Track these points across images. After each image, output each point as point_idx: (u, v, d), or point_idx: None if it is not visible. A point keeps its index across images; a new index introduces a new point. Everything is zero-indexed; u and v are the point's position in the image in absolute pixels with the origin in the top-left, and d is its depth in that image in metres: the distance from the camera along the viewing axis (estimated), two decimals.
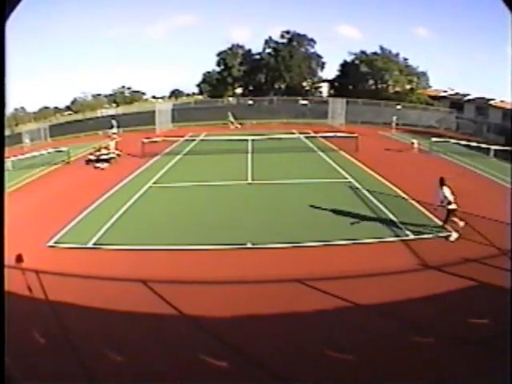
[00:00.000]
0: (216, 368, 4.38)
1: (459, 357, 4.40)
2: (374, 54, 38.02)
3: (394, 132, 24.18)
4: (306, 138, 20.47)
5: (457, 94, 31.73)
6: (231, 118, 26.64)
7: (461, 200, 10.04)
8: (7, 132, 24.12)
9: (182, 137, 21.90)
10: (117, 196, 11.50)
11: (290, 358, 4.49)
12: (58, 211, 10.12)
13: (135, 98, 55.59)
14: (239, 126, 26.54)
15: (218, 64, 43.67)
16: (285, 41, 41.25)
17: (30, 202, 11.15)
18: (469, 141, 19.14)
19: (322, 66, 42.39)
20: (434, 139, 18.38)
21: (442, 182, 8.35)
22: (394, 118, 25.27)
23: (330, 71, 45.22)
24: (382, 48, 37.70)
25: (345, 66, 40.59)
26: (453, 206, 8.19)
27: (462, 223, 8.27)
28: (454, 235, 8.05)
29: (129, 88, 55.38)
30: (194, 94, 53.84)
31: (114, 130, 24.28)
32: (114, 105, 49.66)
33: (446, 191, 8.19)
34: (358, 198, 10.85)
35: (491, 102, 26.68)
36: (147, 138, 18.47)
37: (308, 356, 4.52)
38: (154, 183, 12.87)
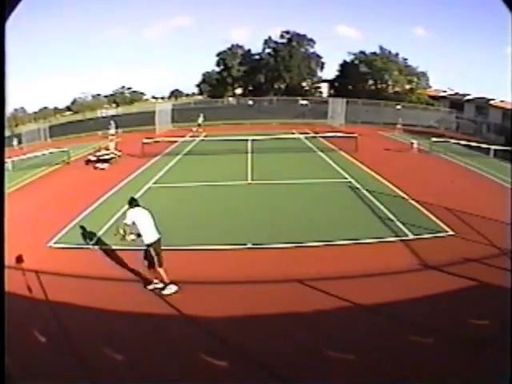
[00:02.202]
0: (216, 368, 4.37)
1: (459, 357, 4.40)
2: (374, 54, 38.11)
3: (395, 132, 24.18)
4: (306, 138, 20.48)
5: (457, 93, 31.78)
6: (200, 121, 25.79)
7: (461, 200, 10.11)
8: (6, 133, 24.11)
9: (182, 137, 21.91)
10: (117, 196, 11.50)
11: (290, 358, 4.49)
12: (58, 211, 10.12)
13: (135, 98, 55.60)
14: (201, 130, 25.22)
15: (218, 64, 43.76)
16: (284, 41, 41.34)
17: (30, 203, 11.15)
18: (469, 141, 19.16)
19: (322, 66, 42.48)
20: (433, 139, 18.40)
21: (130, 203, 5.98)
22: (400, 119, 25.29)
23: (330, 71, 45.29)
24: (381, 48, 37.82)
25: (344, 66, 40.67)
26: (149, 239, 5.79)
27: (162, 276, 5.86)
28: (172, 288, 5.87)
29: (129, 88, 55.41)
30: (193, 94, 53.87)
31: (112, 130, 24.31)
32: (113, 105, 49.68)
33: (131, 216, 5.81)
34: (357, 197, 10.86)
35: (491, 102, 26.71)
36: (147, 139, 18.48)
37: (308, 356, 4.52)
38: (154, 183, 12.88)
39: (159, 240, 5.94)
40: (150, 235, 5.84)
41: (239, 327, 5.13)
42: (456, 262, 6.68)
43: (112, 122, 24.96)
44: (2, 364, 2.29)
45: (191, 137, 22.97)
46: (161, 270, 5.87)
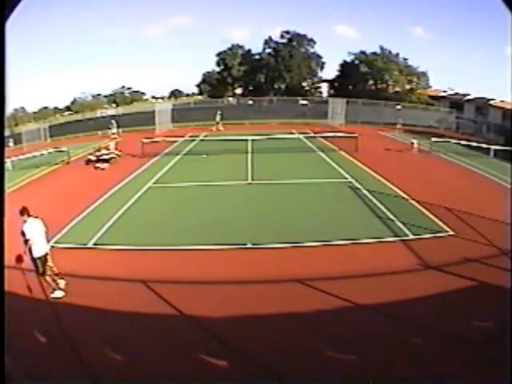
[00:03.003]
0: (216, 368, 4.38)
1: (459, 357, 4.40)
2: (374, 54, 38.04)
3: (395, 132, 24.18)
4: (306, 138, 20.47)
5: (457, 93, 31.73)
6: (218, 119, 25.82)
7: (461, 200, 10.10)
8: (6, 132, 24.01)
9: (182, 137, 21.90)
10: (117, 196, 11.51)
11: (289, 358, 4.49)
12: (57, 211, 10.10)
13: (135, 98, 55.65)
14: (222, 128, 25.34)
15: (218, 64, 43.70)
16: (284, 41, 41.28)
17: (30, 202, 11.09)
18: (469, 141, 19.16)
19: (322, 66, 42.42)
20: (434, 139, 18.39)
21: (22, 212, 5.65)
22: (400, 119, 25.31)
23: (330, 71, 45.18)
24: (381, 48, 37.75)
25: (344, 66, 40.61)
26: (40, 252, 5.63)
27: (61, 282, 5.93)
28: (58, 293, 5.89)
29: (129, 88, 55.48)
30: (193, 94, 53.85)
31: (114, 130, 24.30)
32: (113, 105, 49.67)
33: (28, 227, 5.60)
34: (357, 197, 10.86)
35: (491, 102, 26.68)
36: (147, 138, 18.47)
37: (308, 356, 4.52)
38: (154, 183, 12.88)
39: (47, 254, 5.90)
40: (40, 248, 5.75)
41: (239, 327, 5.13)
42: (456, 261, 6.68)
43: (113, 122, 24.95)
44: (2, 364, 2.29)
45: (191, 136, 22.95)
46: (47, 278, 5.88)
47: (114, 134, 23.70)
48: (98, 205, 10.63)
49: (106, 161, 16.03)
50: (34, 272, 6.45)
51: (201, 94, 49.82)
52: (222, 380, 4.23)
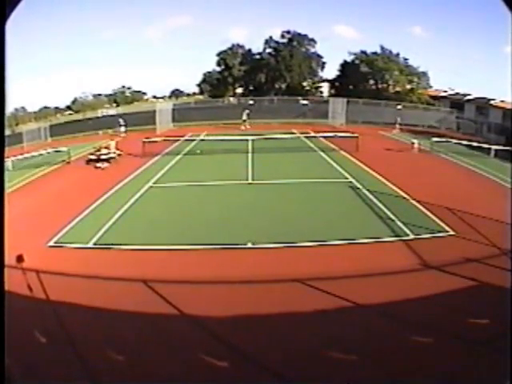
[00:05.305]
0: (216, 368, 4.38)
1: (459, 357, 4.40)
2: (375, 53, 37.96)
3: (395, 132, 24.18)
4: (307, 137, 20.45)
5: (457, 93, 31.67)
6: (244, 117, 25.64)
7: (462, 200, 10.09)
8: (7, 132, 24.00)
9: (183, 137, 21.89)
10: (117, 196, 11.51)
11: (290, 358, 4.49)
12: (58, 211, 10.12)
13: (136, 97, 55.54)
14: (248, 126, 25.28)
15: (219, 64, 43.60)
16: (285, 41, 41.19)
17: (30, 202, 11.15)
18: (469, 141, 19.13)
19: (323, 65, 42.31)
20: (434, 139, 18.38)
21: None
22: (398, 118, 25.29)
23: (331, 71, 45.09)
24: (382, 48, 37.66)
25: (345, 65, 40.53)
26: None
27: None
28: None
29: (129, 88, 55.32)
30: (194, 93, 53.74)
31: (123, 128, 24.67)
32: (114, 105, 49.64)
33: None
34: (358, 197, 10.85)
35: (491, 102, 26.64)
36: (148, 138, 18.46)
37: (308, 356, 4.52)
38: (155, 183, 12.88)
39: None
40: None
41: (239, 327, 5.13)
42: (456, 261, 6.67)
43: (121, 121, 25.25)
44: (2, 364, 2.29)
45: (191, 136, 22.95)
46: None
47: (124, 132, 24.21)
48: (98, 205, 10.63)
49: (106, 160, 16.03)
50: (34, 272, 6.50)
51: (201, 93, 49.77)
52: (222, 380, 4.24)
